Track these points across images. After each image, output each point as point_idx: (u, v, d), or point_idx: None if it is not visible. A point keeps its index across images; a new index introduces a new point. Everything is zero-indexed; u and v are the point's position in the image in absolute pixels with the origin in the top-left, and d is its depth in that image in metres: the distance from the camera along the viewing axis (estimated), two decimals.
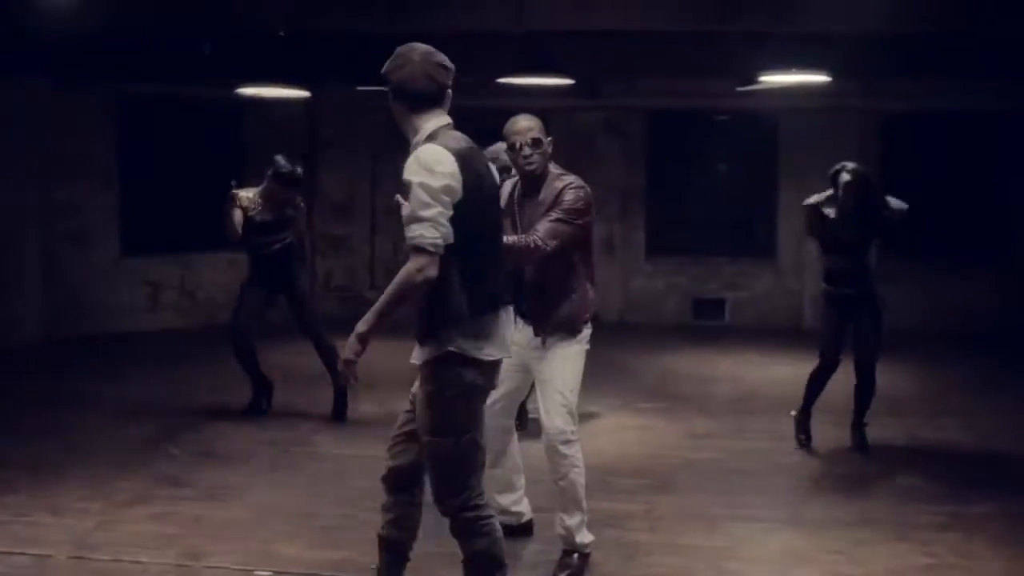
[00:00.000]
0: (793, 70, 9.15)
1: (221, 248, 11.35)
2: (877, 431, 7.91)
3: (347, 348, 4.19)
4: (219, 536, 5.84)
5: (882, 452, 7.76)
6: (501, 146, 7.31)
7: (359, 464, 7.35)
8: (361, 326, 4.17)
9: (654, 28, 9.51)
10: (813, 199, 7.74)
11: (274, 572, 5.37)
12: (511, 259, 5.38)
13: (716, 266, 14.05)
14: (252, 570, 5.42)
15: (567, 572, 5.34)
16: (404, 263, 4.10)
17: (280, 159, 8.30)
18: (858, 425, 7.86)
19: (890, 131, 13.40)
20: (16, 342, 11.50)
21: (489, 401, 5.66)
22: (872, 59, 10.13)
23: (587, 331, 5.45)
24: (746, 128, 13.87)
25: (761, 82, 10.00)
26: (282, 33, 9.13)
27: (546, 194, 5.31)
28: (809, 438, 7.93)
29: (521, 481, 5.86)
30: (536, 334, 5.40)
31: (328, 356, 8.37)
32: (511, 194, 5.52)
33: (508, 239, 5.18)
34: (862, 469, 7.46)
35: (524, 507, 5.88)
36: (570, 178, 5.35)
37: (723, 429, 8.53)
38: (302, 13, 9.12)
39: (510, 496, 5.83)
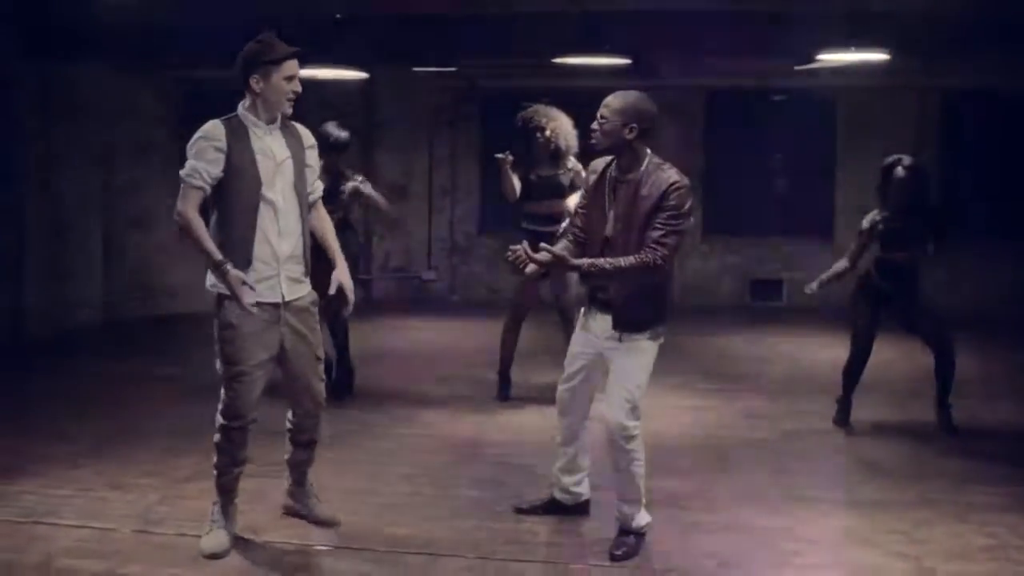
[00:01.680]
0: (852, 48, 9.06)
1: None
2: (932, 412, 7.84)
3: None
4: (278, 512, 5.88)
5: (938, 433, 7.68)
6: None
7: (417, 442, 7.42)
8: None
9: (712, 7, 9.46)
10: (867, 222, 7.62)
11: (334, 547, 5.42)
12: (634, 276, 5.16)
13: (773, 246, 13.96)
14: (311, 545, 5.48)
15: (623, 550, 5.36)
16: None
17: (328, 126, 8.28)
18: (943, 405, 7.76)
19: (950, 110, 13.25)
20: (79, 323, 11.71)
21: (565, 386, 5.68)
22: (932, 36, 10.00)
23: (663, 327, 5.36)
24: (804, 107, 13.74)
25: (819, 60, 9.91)
26: (339, 16, 9.17)
27: (650, 190, 5.12)
28: (847, 420, 7.87)
29: (586, 463, 5.88)
30: (614, 327, 5.32)
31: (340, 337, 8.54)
32: (603, 172, 5.40)
33: (624, 261, 5.07)
34: (919, 450, 7.38)
35: (584, 488, 5.90)
36: (674, 175, 5.15)
37: (779, 410, 8.49)
38: None
39: (573, 477, 5.86)
